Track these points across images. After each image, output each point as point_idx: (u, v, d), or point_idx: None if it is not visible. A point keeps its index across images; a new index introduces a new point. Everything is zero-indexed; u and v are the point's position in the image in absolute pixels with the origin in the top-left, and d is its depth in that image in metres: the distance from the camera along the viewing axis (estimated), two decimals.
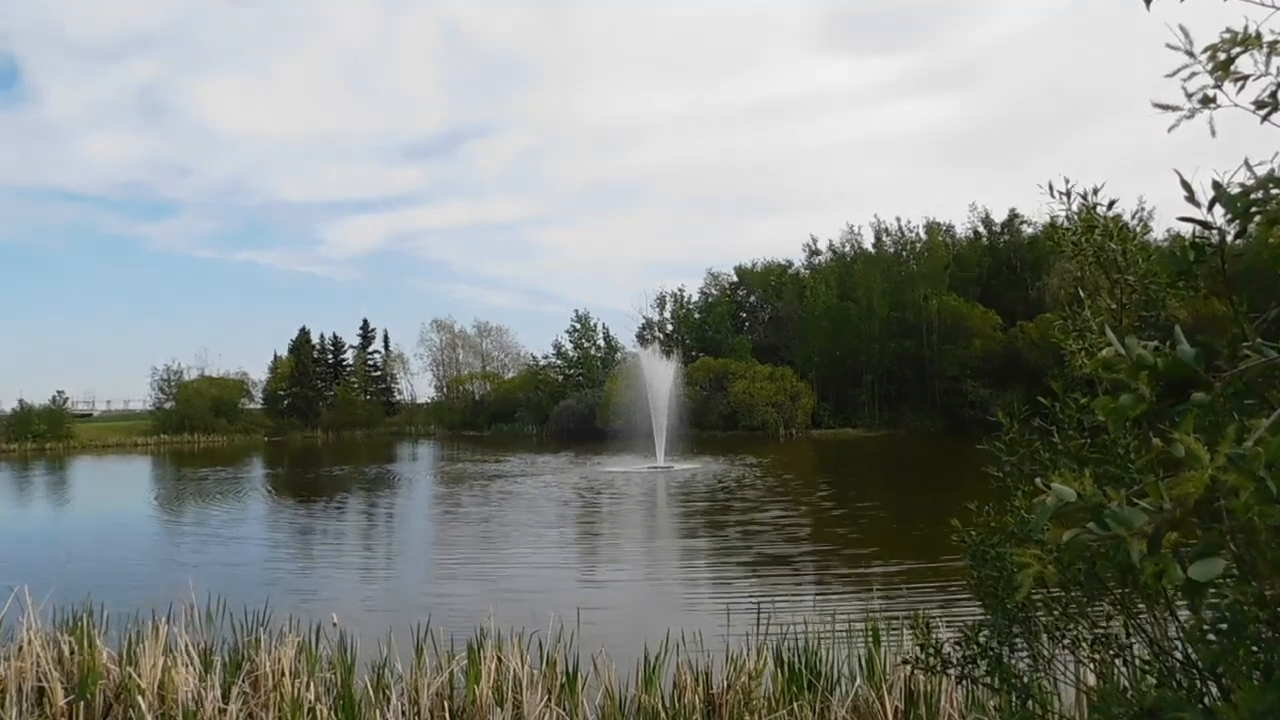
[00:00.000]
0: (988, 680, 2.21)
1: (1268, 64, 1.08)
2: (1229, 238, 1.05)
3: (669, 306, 59.88)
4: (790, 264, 58.33)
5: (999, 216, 53.09)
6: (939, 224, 52.53)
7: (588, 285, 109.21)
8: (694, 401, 44.14)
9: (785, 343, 52.85)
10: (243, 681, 4.57)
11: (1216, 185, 1.03)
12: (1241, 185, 1.03)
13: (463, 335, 72.52)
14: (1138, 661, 1.97)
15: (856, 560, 9.77)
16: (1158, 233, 29.21)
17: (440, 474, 24.61)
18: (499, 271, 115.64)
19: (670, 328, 60.38)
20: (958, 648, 2.31)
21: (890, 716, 4.14)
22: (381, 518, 15.71)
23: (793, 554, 10.43)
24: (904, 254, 52.23)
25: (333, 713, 4.31)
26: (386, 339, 75.11)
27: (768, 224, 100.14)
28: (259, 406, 66.09)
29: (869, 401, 48.31)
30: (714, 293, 60.22)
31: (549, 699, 4.44)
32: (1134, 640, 2.06)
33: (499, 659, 4.69)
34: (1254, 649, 1.23)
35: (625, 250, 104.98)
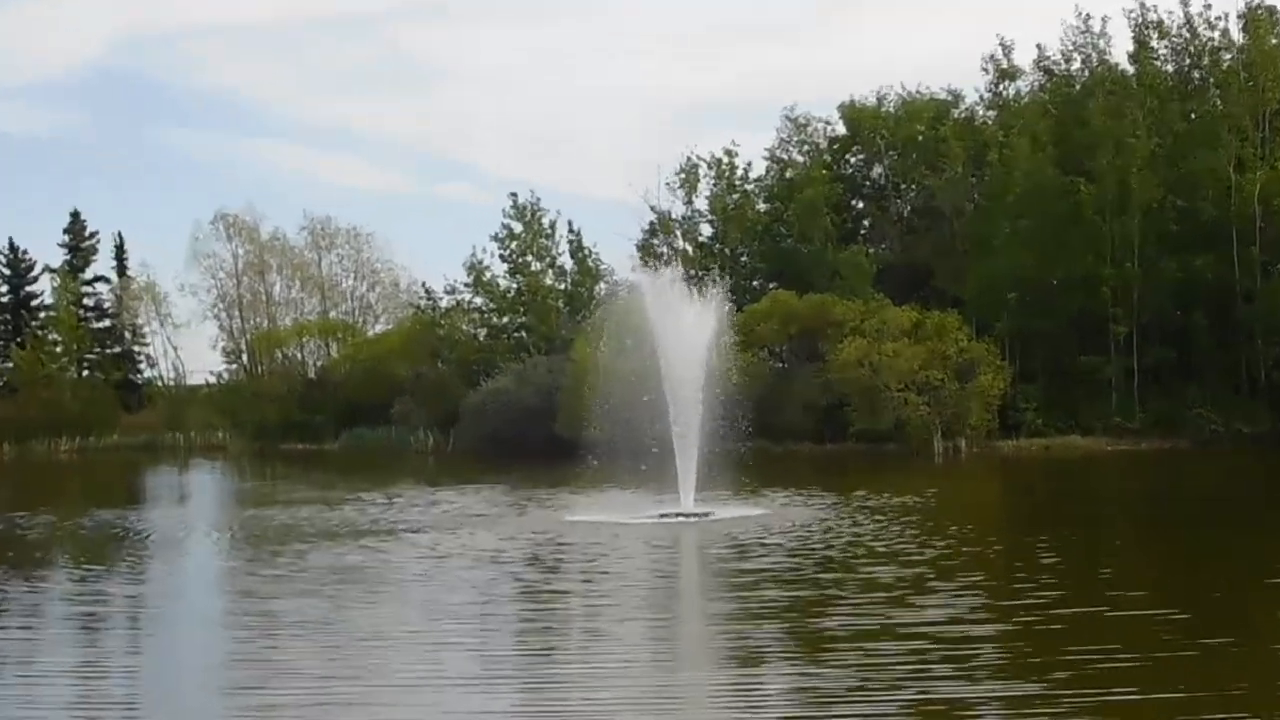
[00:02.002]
0: None
1: None
2: None
3: (704, 187, 60.26)
4: (956, 96, 58.38)
5: None
6: (1268, 9, 51.73)
7: (536, 148, 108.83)
8: (757, 383, 44.61)
9: (946, 261, 53.20)
10: None
11: None
12: None
13: (279, 246, 72.98)
14: None
15: (1110, 713, 9.58)
16: None
17: (233, 530, 24.97)
18: (352, 117, 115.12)
19: (709, 230, 61.03)
20: None
21: None
22: (112, 624, 15.62)
23: (970, 699, 10.19)
24: (1194, 75, 52.35)
25: None
26: (121, 252, 76.02)
27: (903, 13, 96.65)
28: None
29: (1119, 382, 48.55)
30: (796, 158, 60.36)
31: None
32: None
33: None
34: None
35: (611, 73, 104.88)
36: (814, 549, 19.30)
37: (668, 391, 25.91)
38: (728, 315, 32.47)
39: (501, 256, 61.74)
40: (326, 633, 13.74)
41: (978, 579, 16.30)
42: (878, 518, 23.37)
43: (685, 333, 26.52)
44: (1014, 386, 48.33)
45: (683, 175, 60.72)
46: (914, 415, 46.31)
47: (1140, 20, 52.50)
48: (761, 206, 60.55)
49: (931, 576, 16.31)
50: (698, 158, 60.84)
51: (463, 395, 56.52)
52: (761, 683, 11.27)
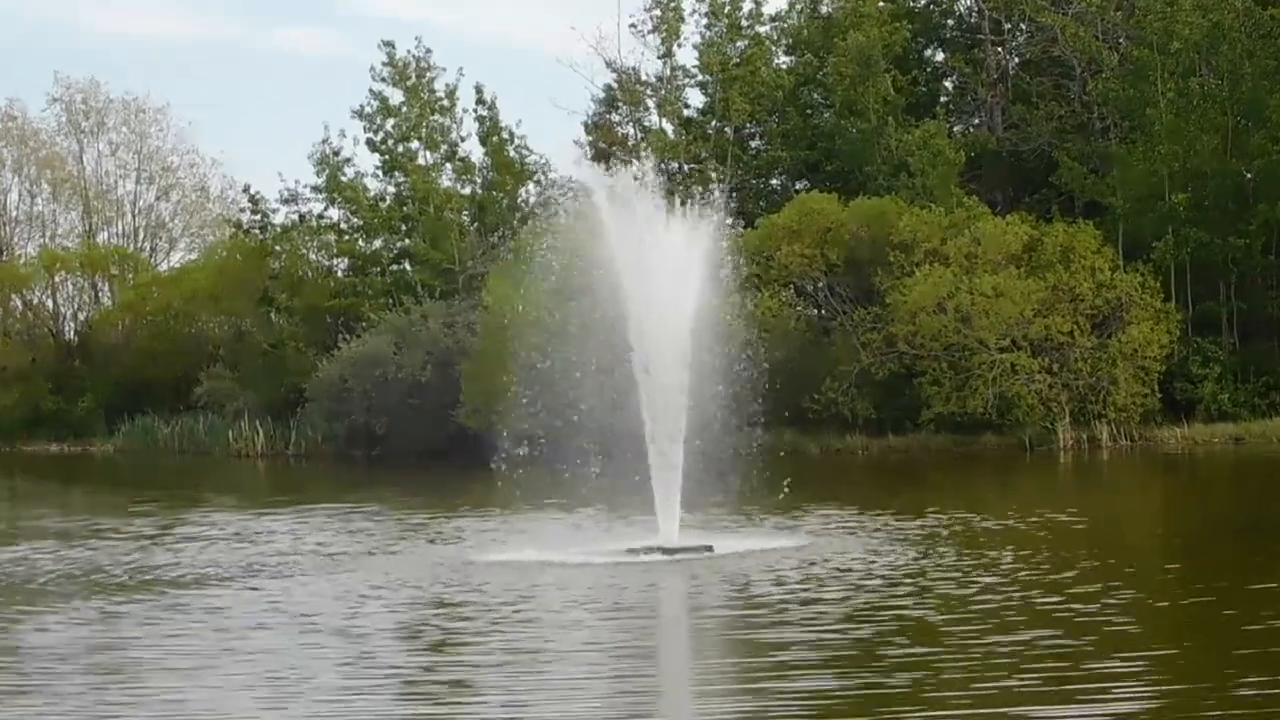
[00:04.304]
0: None
1: None
2: None
3: (691, 30, 60.48)
4: None
5: None
6: None
7: None
8: (779, 341, 45.01)
9: (1077, 145, 53.90)
10: None
11: None
12: None
13: (15, 130, 74.03)
14: None
15: None
16: None
17: None
18: None
19: (700, 99, 62.05)
20: None
21: None
22: None
23: None
24: None
25: None
26: None
27: None
28: None
29: None
30: None
31: None
32: None
33: None
34: None
35: None
36: (888, 606, 18.54)
37: (637, 357, 25.84)
38: (731, 234, 32.54)
39: (371, 144, 61.33)
40: None
41: (1168, 653, 15.69)
42: (988, 554, 23.07)
43: (663, 263, 26.29)
44: (1185, 343, 48.25)
45: (657, 12, 59.94)
46: (1026, 391, 46.09)
47: None
48: (783, 60, 60.33)
49: (1088, 651, 15.53)
50: None
51: (310, 365, 56.50)
52: None
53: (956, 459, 44.44)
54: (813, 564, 22.12)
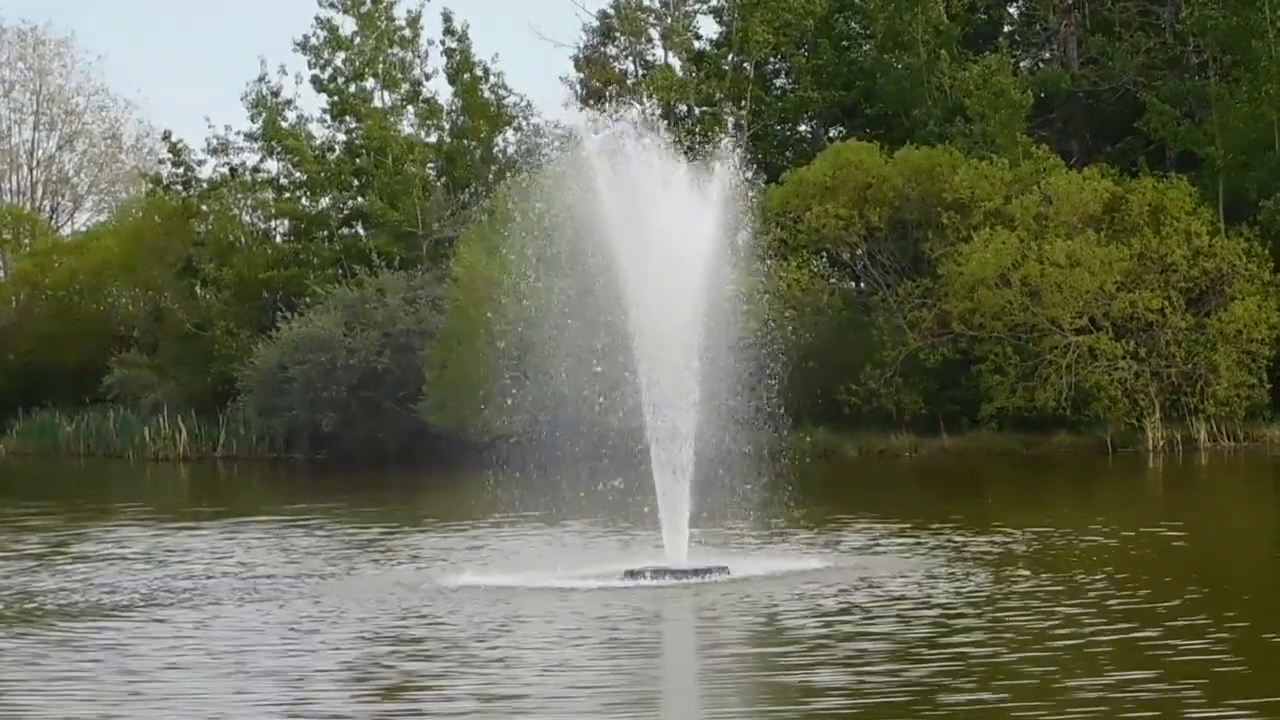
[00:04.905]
0: None
1: None
2: None
3: None
4: None
5: None
6: None
7: None
8: (811, 320, 45.03)
9: (1168, 85, 54.13)
10: None
11: None
12: None
13: None
14: None
15: None
16: None
17: None
18: None
19: (713, 29, 62.73)
20: None
21: None
22: None
23: None
24: None
25: None
26: None
27: None
28: None
29: None
30: None
31: None
32: None
33: None
34: None
35: None
36: (948, 642, 18.37)
37: (636, 340, 25.84)
38: (752, 191, 32.82)
39: (317, 82, 61.47)
40: None
41: None
42: (1069, 578, 22.94)
43: (668, 227, 26.30)
44: None
45: None
46: (1107, 380, 46.21)
47: None
48: None
49: (1192, 698, 15.08)
50: None
51: (243, 350, 56.89)
52: None
53: (1023, 463, 44.52)
54: (854, 590, 22.00)
